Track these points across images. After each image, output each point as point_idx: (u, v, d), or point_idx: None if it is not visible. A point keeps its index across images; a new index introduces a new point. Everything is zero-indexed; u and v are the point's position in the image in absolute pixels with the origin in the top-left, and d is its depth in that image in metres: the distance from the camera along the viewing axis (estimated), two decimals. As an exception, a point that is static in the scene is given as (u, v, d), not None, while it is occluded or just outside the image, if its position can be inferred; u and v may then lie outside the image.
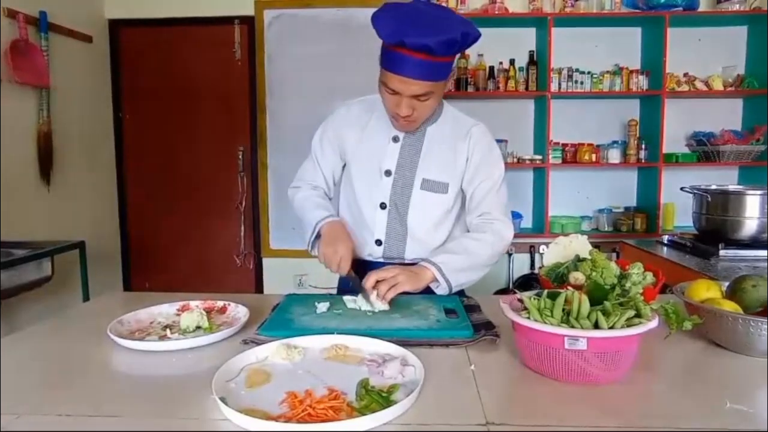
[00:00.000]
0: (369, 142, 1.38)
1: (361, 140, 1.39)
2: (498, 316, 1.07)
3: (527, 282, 3.36)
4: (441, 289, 1.27)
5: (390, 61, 1.15)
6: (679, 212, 3.31)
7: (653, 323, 0.82)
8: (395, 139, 1.36)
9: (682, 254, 2.08)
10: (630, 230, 3.35)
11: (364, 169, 1.39)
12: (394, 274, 1.19)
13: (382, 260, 1.40)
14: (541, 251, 3.42)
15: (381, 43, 1.18)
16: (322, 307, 1.16)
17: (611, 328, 0.81)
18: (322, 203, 1.41)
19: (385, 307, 1.15)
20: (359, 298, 1.17)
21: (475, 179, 1.35)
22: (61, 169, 2.96)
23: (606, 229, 3.42)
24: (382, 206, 1.38)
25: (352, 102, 1.45)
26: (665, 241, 2.30)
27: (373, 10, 1.16)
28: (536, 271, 3.47)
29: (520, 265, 3.49)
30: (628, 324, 0.82)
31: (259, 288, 3.63)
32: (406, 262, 1.38)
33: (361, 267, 1.34)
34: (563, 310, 0.85)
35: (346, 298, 1.20)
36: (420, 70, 1.13)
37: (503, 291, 3.36)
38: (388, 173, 1.37)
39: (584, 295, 0.83)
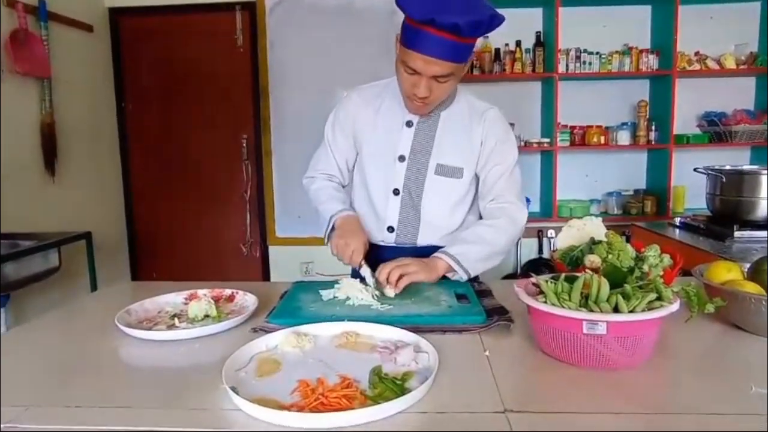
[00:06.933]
0: (382, 127, 1.36)
1: (374, 126, 1.37)
2: (510, 300, 1.05)
3: (535, 267, 3.34)
4: (458, 277, 1.25)
5: (413, 39, 1.12)
6: (689, 194, 3.26)
7: (675, 306, 0.80)
8: (409, 124, 1.34)
9: (696, 236, 2.05)
10: (640, 213, 3.31)
11: (377, 155, 1.37)
12: (406, 263, 1.17)
13: (394, 245, 1.38)
14: (549, 236, 3.39)
15: (403, 21, 1.15)
16: (328, 294, 1.14)
17: (631, 311, 0.78)
18: (336, 195, 1.40)
19: (391, 294, 1.13)
20: (355, 284, 1.15)
21: (489, 164, 1.33)
22: (66, 159, 2.94)
23: (615, 212, 3.38)
24: (395, 192, 1.36)
25: (362, 87, 1.42)
26: (677, 224, 2.27)
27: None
28: (545, 255, 3.44)
29: (528, 250, 3.47)
30: (649, 307, 0.79)
31: (265, 276, 3.63)
32: (419, 246, 1.36)
33: (374, 251, 1.32)
34: (581, 293, 0.82)
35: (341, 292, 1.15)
36: (444, 50, 1.11)
37: (511, 276, 3.33)
38: (401, 159, 1.34)
39: (603, 278, 0.81)
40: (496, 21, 1.10)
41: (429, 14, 1.06)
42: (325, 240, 1.38)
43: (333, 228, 1.33)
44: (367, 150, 1.39)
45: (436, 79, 1.17)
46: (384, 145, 1.36)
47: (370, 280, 1.18)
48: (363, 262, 1.22)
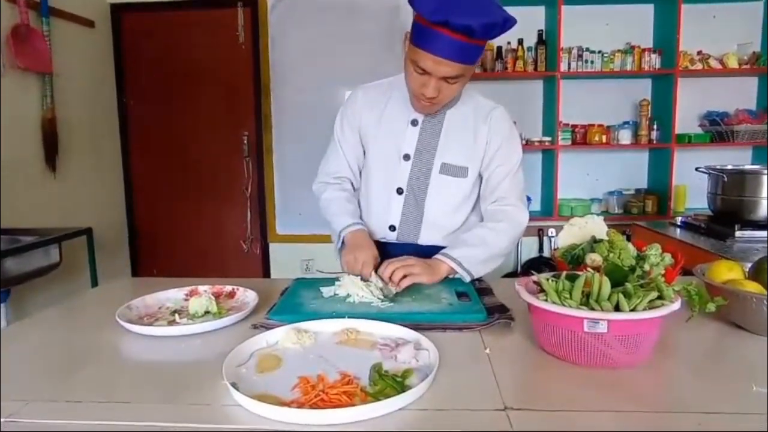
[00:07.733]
0: (387, 126, 1.35)
1: (379, 124, 1.36)
2: (511, 299, 1.05)
3: (536, 265, 3.34)
4: (459, 276, 1.25)
5: (425, 39, 1.11)
6: (690, 194, 3.26)
7: (676, 305, 0.79)
8: (414, 123, 1.33)
9: (697, 236, 2.04)
10: (641, 212, 3.30)
11: (382, 154, 1.37)
12: (411, 263, 1.17)
13: (395, 242, 1.39)
14: (549, 234, 3.38)
15: (413, 20, 1.14)
16: (329, 291, 1.14)
17: (633, 310, 0.78)
18: (346, 207, 1.38)
19: (391, 291, 1.12)
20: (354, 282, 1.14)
21: (492, 164, 1.32)
22: (67, 155, 2.94)
23: (616, 211, 3.38)
24: (399, 191, 1.36)
25: (367, 85, 1.42)
26: (678, 223, 2.26)
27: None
28: (545, 254, 3.44)
29: (529, 248, 3.47)
30: (650, 306, 0.79)
31: (266, 273, 3.63)
32: (420, 245, 1.36)
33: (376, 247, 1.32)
34: (582, 292, 0.82)
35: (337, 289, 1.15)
36: (456, 52, 1.10)
37: (512, 275, 3.33)
38: (406, 158, 1.34)
39: (605, 277, 0.81)
40: (509, 23, 1.10)
41: (443, 15, 1.05)
42: (337, 254, 1.39)
43: (344, 243, 1.33)
44: (371, 148, 1.39)
45: (445, 80, 1.16)
46: (389, 144, 1.35)
47: (380, 291, 1.14)
48: (374, 274, 1.20)
